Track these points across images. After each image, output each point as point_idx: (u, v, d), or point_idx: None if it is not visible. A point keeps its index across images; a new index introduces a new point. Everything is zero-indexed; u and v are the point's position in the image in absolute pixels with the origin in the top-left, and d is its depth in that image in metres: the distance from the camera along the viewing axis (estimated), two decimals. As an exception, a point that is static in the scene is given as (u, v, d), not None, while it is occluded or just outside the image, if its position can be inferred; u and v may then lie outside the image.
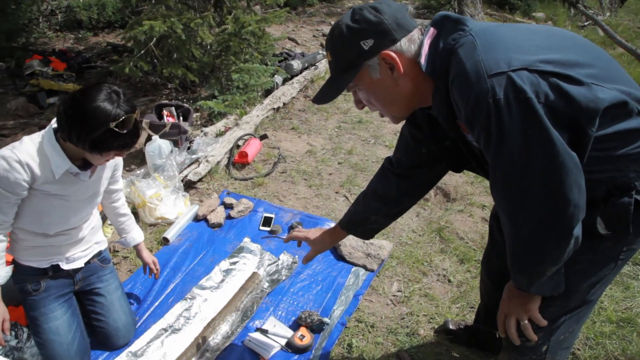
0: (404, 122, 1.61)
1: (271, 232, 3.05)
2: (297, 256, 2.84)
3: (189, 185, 3.45)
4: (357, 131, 4.63)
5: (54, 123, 1.79)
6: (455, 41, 1.16)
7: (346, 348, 2.32)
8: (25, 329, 2.19)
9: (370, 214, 1.83)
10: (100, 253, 2.28)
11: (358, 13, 1.22)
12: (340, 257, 2.85)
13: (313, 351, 2.27)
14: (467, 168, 1.56)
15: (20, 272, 2.04)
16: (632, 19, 11.79)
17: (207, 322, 2.37)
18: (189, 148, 3.71)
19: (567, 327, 1.49)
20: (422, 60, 1.20)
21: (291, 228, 3.04)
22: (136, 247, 2.42)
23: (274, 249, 2.91)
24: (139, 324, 2.37)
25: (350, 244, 2.87)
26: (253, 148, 3.87)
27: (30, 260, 2.03)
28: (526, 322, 1.41)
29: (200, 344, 2.25)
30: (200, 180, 3.51)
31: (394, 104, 1.33)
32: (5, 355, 2.09)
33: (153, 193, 3.06)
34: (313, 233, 1.99)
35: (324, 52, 6.39)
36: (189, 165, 3.54)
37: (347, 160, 4.05)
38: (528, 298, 1.38)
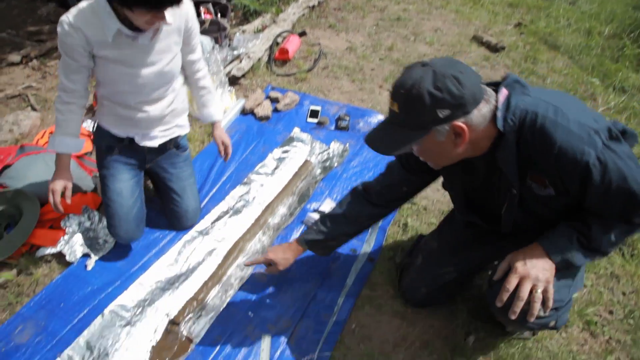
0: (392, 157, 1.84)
1: (319, 123, 3.05)
2: (347, 144, 2.86)
3: (232, 82, 3.43)
4: (396, 28, 4.48)
5: None
6: (529, 104, 1.30)
7: (401, 227, 2.39)
8: (96, 212, 2.30)
9: (336, 235, 1.91)
10: (178, 138, 2.30)
11: (441, 80, 1.22)
12: (389, 146, 2.86)
13: (370, 230, 2.33)
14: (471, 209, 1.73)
15: (100, 133, 2.15)
16: None
17: (265, 205, 2.45)
18: (229, 45, 3.65)
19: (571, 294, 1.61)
20: (499, 114, 1.29)
21: (339, 119, 3.03)
22: (212, 125, 2.38)
23: (323, 139, 2.92)
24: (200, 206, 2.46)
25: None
26: (293, 45, 3.80)
27: (110, 126, 2.11)
28: (540, 292, 1.40)
29: (261, 224, 2.33)
30: (243, 76, 3.48)
31: (445, 160, 1.43)
32: (82, 234, 2.21)
33: (200, 87, 3.05)
34: (274, 253, 1.95)
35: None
36: (231, 62, 3.51)
37: (388, 56, 3.96)
38: (550, 266, 1.41)
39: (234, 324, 1.94)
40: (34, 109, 3.29)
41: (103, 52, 1.83)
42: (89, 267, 2.14)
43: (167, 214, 2.34)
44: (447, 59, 1.30)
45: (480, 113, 1.28)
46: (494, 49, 4.10)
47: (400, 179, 1.81)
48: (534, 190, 1.40)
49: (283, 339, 1.89)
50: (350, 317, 1.99)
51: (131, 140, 2.14)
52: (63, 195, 2.00)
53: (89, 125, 2.98)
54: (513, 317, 1.41)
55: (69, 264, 2.16)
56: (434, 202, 2.54)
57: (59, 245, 2.15)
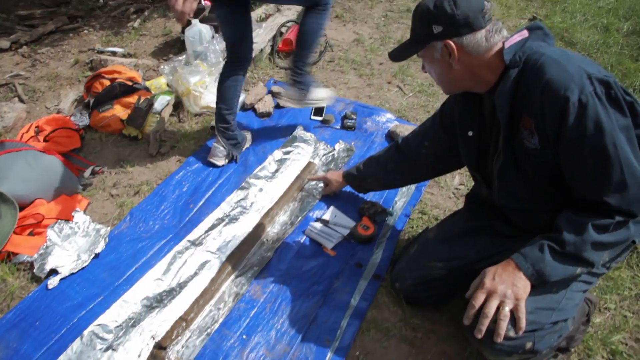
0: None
1: (324, 121, 2.85)
2: (353, 144, 2.67)
3: (232, 74, 3.23)
4: (405, 20, 4.27)
5: None
6: (542, 47, 1.32)
7: (411, 239, 2.20)
8: (81, 220, 2.12)
9: (368, 176, 2.15)
10: None
11: (440, 0, 1.35)
12: (398, 149, 2.67)
13: (377, 242, 2.16)
14: (475, 166, 1.68)
15: None
16: None
17: (264, 211, 2.26)
18: (229, 35, 3.44)
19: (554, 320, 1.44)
20: (507, 44, 1.34)
21: (345, 118, 2.84)
22: None
23: (328, 139, 2.73)
24: (192, 212, 2.27)
25: (410, 134, 2.67)
26: (297, 35, 3.59)
27: None
28: (507, 310, 1.30)
29: (259, 233, 2.15)
30: (244, 68, 3.28)
31: (443, 82, 1.52)
32: (61, 244, 2.04)
33: (197, 80, 2.86)
34: (331, 175, 2.32)
35: None
36: (231, 53, 3.30)
37: (397, 49, 3.75)
38: (523, 282, 1.32)
39: (227, 348, 1.76)
40: (20, 100, 3.09)
41: None
42: (50, 286, 1.93)
43: None
44: None
45: (475, 39, 1.35)
46: (509, 44, 3.89)
47: (427, 129, 1.93)
48: (524, 142, 1.37)
49: (280, 367, 1.72)
50: (354, 342, 1.81)
51: None
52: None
53: (77, 119, 2.79)
54: (479, 336, 1.31)
55: (48, 275, 1.98)
56: (445, 212, 2.35)
57: (36, 254, 1.98)
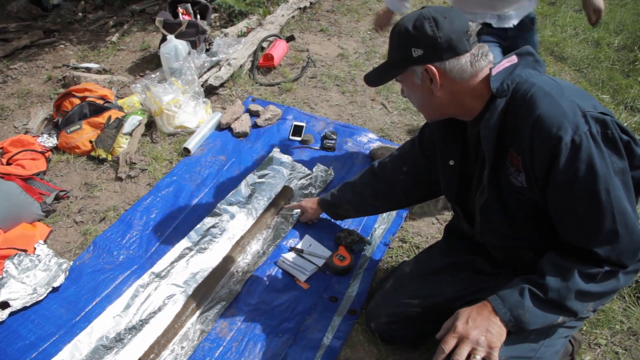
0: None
1: (302, 142, 2.74)
2: (331, 167, 2.55)
3: (209, 91, 3.11)
4: (391, 33, 4.17)
5: None
6: (532, 76, 1.23)
7: (391, 270, 2.09)
8: (42, 251, 1.99)
9: (344, 202, 2.04)
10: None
11: (420, 20, 1.24)
12: (380, 171, 2.56)
13: (354, 273, 2.04)
14: (454, 198, 1.57)
15: None
16: None
17: (235, 240, 2.14)
18: (207, 50, 3.34)
19: None
20: (494, 71, 1.25)
21: (324, 138, 2.73)
22: None
23: (307, 161, 2.61)
24: (159, 241, 2.15)
25: (392, 155, 2.56)
26: (279, 50, 3.48)
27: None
28: (479, 359, 1.19)
29: (229, 264, 2.03)
30: (221, 85, 3.16)
31: (424, 109, 1.43)
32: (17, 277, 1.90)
33: (171, 99, 2.74)
34: (306, 202, 2.21)
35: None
36: (209, 69, 3.19)
37: (382, 65, 3.65)
38: (498, 328, 1.22)
39: (188, 393, 1.64)
40: (-13, 118, 2.97)
41: None
42: None
43: None
44: (447, 7, 1.30)
45: (459, 64, 1.25)
46: (497, 59, 3.81)
47: (405, 153, 1.83)
48: (510, 178, 1.28)
49: (245, 414, 1.59)
50: (325, 385, 1.69)
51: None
52: None
53: (44, 140, 2.67)
54: None
55: None
56: (427, 240, 2.24)
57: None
